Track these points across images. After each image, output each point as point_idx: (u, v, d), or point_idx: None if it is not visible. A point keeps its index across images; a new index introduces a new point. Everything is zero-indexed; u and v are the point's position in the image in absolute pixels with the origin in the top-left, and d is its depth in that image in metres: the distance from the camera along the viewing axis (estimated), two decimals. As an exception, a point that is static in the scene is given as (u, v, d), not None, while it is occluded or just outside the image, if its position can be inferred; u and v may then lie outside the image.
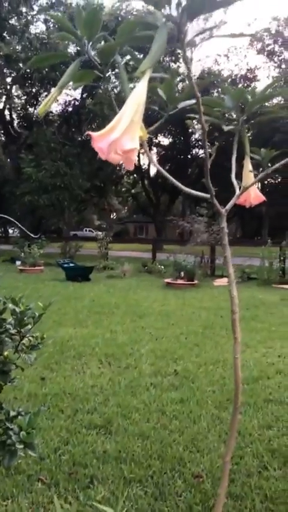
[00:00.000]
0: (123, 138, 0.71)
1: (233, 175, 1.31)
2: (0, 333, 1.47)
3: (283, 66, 29.60)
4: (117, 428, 3.34)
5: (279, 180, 31.53)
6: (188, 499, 2.49)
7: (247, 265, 13.87)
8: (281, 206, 34.05)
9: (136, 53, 1.24)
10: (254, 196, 1.47)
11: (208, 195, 1.15)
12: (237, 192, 1.27)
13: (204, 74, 28.78)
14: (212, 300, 9.75)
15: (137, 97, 0.76)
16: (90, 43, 1.09)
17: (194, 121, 1.27)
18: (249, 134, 1.46)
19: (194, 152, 33.95)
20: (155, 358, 5.14)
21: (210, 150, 1.19)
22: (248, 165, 1.42)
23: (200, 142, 32.63)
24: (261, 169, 1.31)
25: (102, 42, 1.19)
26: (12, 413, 1.57)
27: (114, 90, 26.37)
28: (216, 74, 28.92)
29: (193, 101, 1.16)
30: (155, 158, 33.34)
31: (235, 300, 1.17)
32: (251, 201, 1.47)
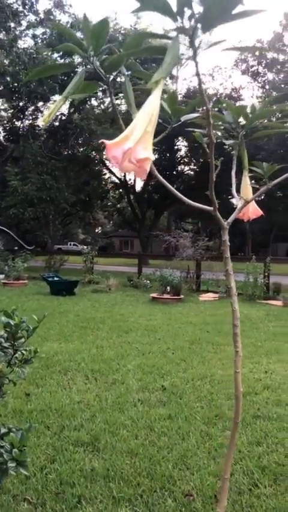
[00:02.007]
0: (137, 147, 0.71)
1: (233, 189, 1.32)
2: (-7, 347, 1.43)
3: (267, 86, 30.32)
4: (105, 445, 3.27)
5: (262, 197, 32.10)
6: (178, 518, 2.43)
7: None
8: (263, 223, 34.55)
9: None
10: (252, 210, 1.48)
11: (211, 208, 1.15)
12: (239, 205, 1.27)
13: (190, 92, 29.27)
14: (198, 315, 9.74)
15: (151, 107, 0.75)
16: (95, 54, 1.08)
17: (194, 133, 1.28)
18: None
19: (179, 169, 34.30)
20: (142, 374, 5.08)
21: (216, 162, 1.19)
22: (246, 179, 1.42)
23: (185, 159, 33.05)
24: (263, 181, 1.32)
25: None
26: (3, 430, 1.52)
27: (101, 105, 26.63)
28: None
29: (197, 114, 1.16)
30: (140, 173, 33.60)
31: (237, 314, 1.16)
32: (249, 215, 1.48)
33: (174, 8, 0.78)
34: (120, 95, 23.39)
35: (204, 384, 4.81)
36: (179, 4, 0.76)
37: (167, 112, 1.10)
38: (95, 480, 2.77)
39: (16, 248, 16.45)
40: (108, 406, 4.04)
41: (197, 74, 0.84)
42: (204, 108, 1.06)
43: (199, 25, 0.78)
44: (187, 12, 0.78)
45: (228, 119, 1.33)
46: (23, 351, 1.50)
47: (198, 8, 0.78)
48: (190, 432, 3.57)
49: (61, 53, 21.58)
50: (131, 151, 0.70)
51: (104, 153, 25.84)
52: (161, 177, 1.12)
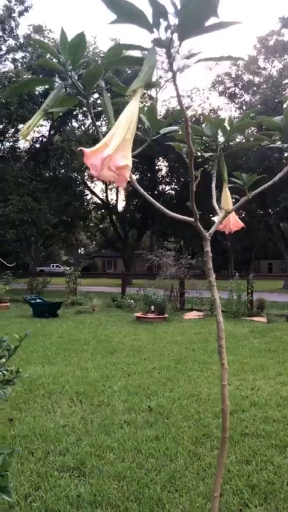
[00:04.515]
0: (116, 155, 0.70)
1: (213, 200, 1.32)
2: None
3: (244, 107, 31.12)
4: (91, 469, 3.18)
5: (243, 215, 32.52)
6: None
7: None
8: (244, 241, 34.99)
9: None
10: (233, 222, 1.49)
11: (191, 219, 1.14)
12: (220, 216, 1.27)
13: (169, 113, 29.83)
14: (183, 333, 9.69)
15: (129, 115, 0.75)
16: (73, 69, 1.08)
17: (181, 144, 1.28)
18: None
19: (160, 188, 34.64)
20: (128, 395, 5.00)
21: (196, 173, 1.19)
22: (226, 191, 1.43)
23: (166, 179, 33.43)
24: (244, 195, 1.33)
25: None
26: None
27: (82, 127, 26.88)
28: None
29: (175, 128, 1.17)
30: (122, 194, 33.80)
31: (221, 325, 1.15)
32: (231, 227, 1.48)
33: (151, 20, 0.79)
34: (102, 116, 23.68)
35: (191, 403, 4.75)
36: (154, 16, 0.77)
37: (147, 125, 1.10)
38: (81, 506, 2.68)
39: (8, 265, 16.20)
40: (94, 429, 3.94)
41: (175, 84, 0.85)
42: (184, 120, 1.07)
43: (175, 36, 0.79)
44: (163, 23, 0.79)
45: (207, 131, 1.34)
46: (4, 371, 1.45)
47: (173, 20, 0.79)
48: (178, 453, 3.50)
49: (40, 76, 21.83)
50: (110, 159, 0.70)
51: (86, 173, 25.98)
52: (141, 190, 1.12)
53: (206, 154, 1.23)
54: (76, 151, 21.27)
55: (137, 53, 1.07)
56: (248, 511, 2.70)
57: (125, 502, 2.75)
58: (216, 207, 1.31)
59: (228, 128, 1.33)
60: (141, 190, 1.10)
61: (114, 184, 31.63)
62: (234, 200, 1.47)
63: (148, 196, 1.13)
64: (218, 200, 1.40)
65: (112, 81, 1.18)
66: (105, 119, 25.19)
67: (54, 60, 1.16)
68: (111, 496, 2.80)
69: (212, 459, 3.37)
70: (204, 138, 1.37)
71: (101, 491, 2.85)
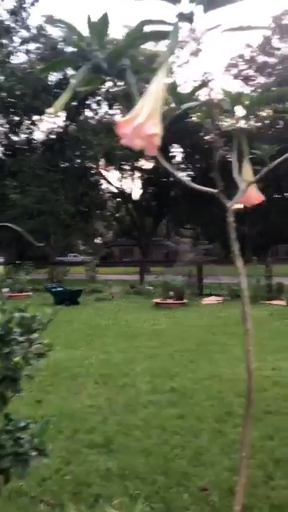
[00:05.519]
0: (147, 123, 0.75)
1: (235, 172, 1.36)
2: (9, 341, 1.46)
3: (259, 90, 30.58)
4: (118, 446, 3.28)
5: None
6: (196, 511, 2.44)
7: (234, 284, 13.97)
8: (261, 226, 34.61)
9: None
10: (254, 196, 1.52)
11: (214, 190, 1.19)
12: (241, 188, 1.31)
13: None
14: (203, 318, 9.75)
15: (158, 86, 0.80)
16: (98, 49, 1.13)
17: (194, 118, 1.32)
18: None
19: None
20: (151, 376, 5.09)
21: (219, 142, 1.23)
22: (247, 164, 1.46)
23: (182, 165, 33.15)
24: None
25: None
26: (21, 424, 1.54)
27: (95, 117, 26.82)
28: (195, 98, 29.65)
29: (197, 102, 1.21)
30: (138, 182, 33.70)
31: (246, 309, 1.19)
32: (252, 201, 1.52)
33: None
34: (116, 104, 23.51)
35: (213, 384, 4.82)
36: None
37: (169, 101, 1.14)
38: (110, 479, 2.79)
39: (18, 262, 16.47)
40: (120, 409, 4.05)
41: (195, 54, 0.88)
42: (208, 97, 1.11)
43: (200, 7, 0.83)
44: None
45: (226, 106, 1.37)
46: (39, 344, 1.53)
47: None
48: (202, 430, 3.58)
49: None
50: (141, 127, 0.75)
51: (100, 163, 25.97)
52: (165, 163, 1.16)
53: (226, 124, 1.26)
54: (90, 140, 21.30)
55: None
56: (273, 483, 2.76)
57: (152, 475, 2.84)
58: (238, 179, 1.34)
59: (246, 102, 1.37)
60: (165, 162, 1.14)
61: (129, 172, 31.38)
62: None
63: (170, 167, 1.17)
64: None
65: (134, 61, 1.22)
66: (118, 106, 25.05)
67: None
68: (138, 470, 2.90)
69: (235, 436, 3.44)
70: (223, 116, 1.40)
71: (129, 466, 2.96)
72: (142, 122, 0.75)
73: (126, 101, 22.31)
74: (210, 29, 0.87)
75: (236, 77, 30.80)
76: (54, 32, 22.59)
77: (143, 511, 2.43)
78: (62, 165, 24.31)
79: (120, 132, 0.76)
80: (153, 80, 0.81)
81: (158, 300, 12.05)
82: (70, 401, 4.26)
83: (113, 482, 2.75)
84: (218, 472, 2.88)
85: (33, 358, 1.51)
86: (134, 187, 34.68)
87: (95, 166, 26.45)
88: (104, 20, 1.05)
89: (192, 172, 32.48)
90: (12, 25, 22.52)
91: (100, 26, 1.07)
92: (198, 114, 1.18)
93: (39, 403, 4.20)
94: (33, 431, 1.46)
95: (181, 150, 31.81)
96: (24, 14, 22.67)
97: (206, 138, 24.89)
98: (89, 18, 1.09)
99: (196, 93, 1.15)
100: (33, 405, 4.11)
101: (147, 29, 1.02)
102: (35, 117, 23.68)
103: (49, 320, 1.54)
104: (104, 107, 25.08)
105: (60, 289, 13.24)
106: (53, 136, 24.92)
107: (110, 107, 25.14)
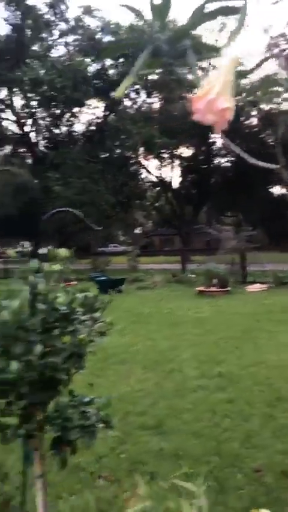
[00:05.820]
0: (219, 98, 0.77)
1: (279, 153, 1.35)
2: (73, 320, 1.54)
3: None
4: (169, 428, 3.35)
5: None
6: (250, 491, 2.47)
7: (279, 270, 13.70)
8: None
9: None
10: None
11: (275, 165, 1.19)
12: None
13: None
14: (246, 305, 9.65)
15: (228, 61, 0.82)
16: (160, 31, 1.15)
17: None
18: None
19: (216, 162, 33.85)
20: (198, 362, 5.13)
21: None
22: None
23: (222, 151, 32.56)
24: None
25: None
26: (86, 399, 1.62)
27: (134, 106, 26.78)
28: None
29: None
30: (177, 170, 33.42)
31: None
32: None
33: None
34: (154, 92, 23.29)
35: (260, 370, 4.80)
36: None
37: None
38: (164, 459, 2.86)
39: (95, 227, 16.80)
40: (169, 393, 4.12)
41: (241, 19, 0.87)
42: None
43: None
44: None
45: (286, 85, 1.36)
46: (101, 323, 1.60)
47: None
48: (252, 414, 3.59)
49: (92, 59, 21.83)
50: (213, 102, 0.77)
51: (139, 152, 25.96)
52: (229, 141, 1.17)
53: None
54: (130, 129, 21.31)
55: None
56: None
57: (205, 456, 2.89)
58: (281, 158, 1.33)
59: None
60: (229, 141, 1.15)
61: (168, 160, 31.16)
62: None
63: (234, 146, 1.18)
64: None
65: (194, 41, 1.24)
66: (157, 95, 24.82)
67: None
68: (191, 451, 2.96)
69: (286, 420, 3.43)
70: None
71: (182, 447, 3.02)
72: (215, 97, 0.77)
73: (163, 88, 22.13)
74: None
75: (277, 57, 29.76)
76: (92, 23, 22.70)
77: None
78: (102, 156, 24.51)
79: (193, 107, 0.78)
80: (222, 57, 0.83)
81: (201, 288, 12.01)
82: (120, 385, 4.37)
83: (166, 461, 2.83)
84: (270, 455, 2.89)
85: (96, 336, 1.57)
86: (174, 176, 34.47)
87: (134, 155, 26.48)
88: (166, 2, 1.07)
89: (233, 158, 31.85)
90: (52, 18, 22.80)
91: (162, 8, 1.09)
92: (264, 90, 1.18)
93: (91, 386, 4.33)
94: (98, 405, 1.53)
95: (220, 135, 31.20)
96: (62, 7, 22.89)
97: (245, 122, 24.34)
98: (151, 0, 1.11)
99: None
100: (86, 388, 4.24)
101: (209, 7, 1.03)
102: (75, 109, 23.94)
103: (110, 300, 1.60)
104: (143, 95, 25.00)
105: (104, 278, 13.47)
106: (93, 128, 25.13)
107: (149, 95, 25.02)
